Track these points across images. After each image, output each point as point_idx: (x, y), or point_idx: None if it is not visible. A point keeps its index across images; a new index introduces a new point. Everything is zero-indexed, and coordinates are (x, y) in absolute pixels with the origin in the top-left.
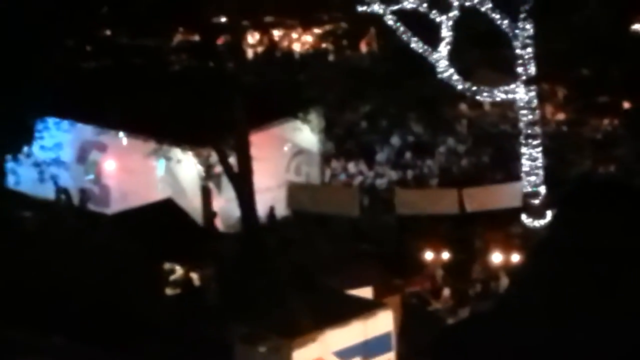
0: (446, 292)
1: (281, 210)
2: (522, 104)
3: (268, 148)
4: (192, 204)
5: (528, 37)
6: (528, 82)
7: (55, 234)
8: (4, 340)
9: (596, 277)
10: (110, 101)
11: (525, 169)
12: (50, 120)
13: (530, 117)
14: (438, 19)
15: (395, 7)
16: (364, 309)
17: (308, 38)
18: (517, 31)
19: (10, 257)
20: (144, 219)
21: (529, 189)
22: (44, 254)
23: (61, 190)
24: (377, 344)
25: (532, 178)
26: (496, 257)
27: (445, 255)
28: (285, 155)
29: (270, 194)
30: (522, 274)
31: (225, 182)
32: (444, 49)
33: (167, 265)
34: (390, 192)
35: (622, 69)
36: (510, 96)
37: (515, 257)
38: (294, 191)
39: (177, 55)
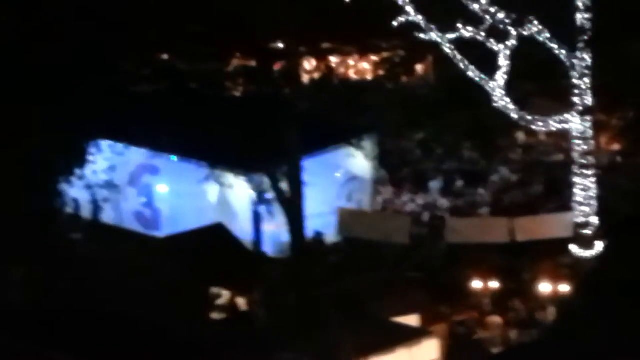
0: (493, 321)
1: (332, 237)
2: (576, 134)
3: (320, 174)
4: (243, 228)
5: (585, 67)
6: (584, 113)
7: (106, 256)
8: None
9: None
10: (164, 125)
11: (577, 199)
12: (104, 143)
13: (584, 147)
14: (495, 48)
15: (453, 36)
16: (409, 336)
17: (365, 65)
18: (574, 61)
19: (63, 279)
20: (194, 243)
21: (581, 219)
22: (94, 276)
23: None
24: None
25: (585, 208)
26: (544, 287)
27: (494, 285)
28: (337, 182)
29: (321, 220)
30: (570, 305)
31: (277, 207)
32: (500, 78)
33: (214, 290)
34: (441, 220)
35: None
36: (564, 126)
37: (564, 288)
38: (345, 218)
39: (233, 80)
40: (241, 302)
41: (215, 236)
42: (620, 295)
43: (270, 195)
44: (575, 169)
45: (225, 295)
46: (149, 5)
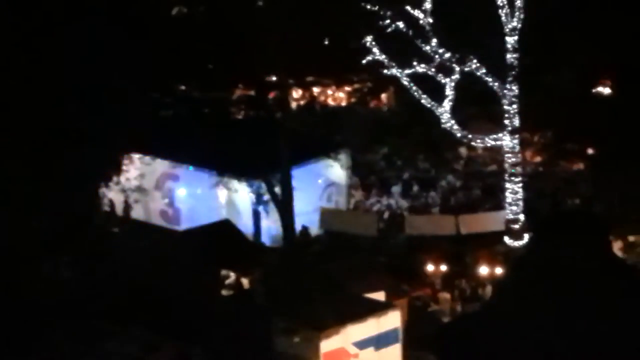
0: (443, 296)
1: (315, 230)
2: (507, 149)
3: (306, 180)
4: (246, 223)
5: (514, 96)
6: (513, 132)
7: (137, 245)
8: (92, 328)
9: (563, 285)
10: (183, 141)
11: (508, 200)
12: (135, 156)
13: (513, 159)
14: (443, 81)
15: (409, 71)
16: (377, 308)
17: (340, 94)
18: (505, 91)
19: (103, 264)
20: (207, 234)
21: (511, 216)
22: (127, 261)
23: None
24: (387, 337)
25: (514, 208)
26: (483, 270)
27: (443, 268)
28: (319, 187)
29: (306, 217)
30: (503, 283)
31: (272, 207)
32: (447, 104)
33: (223, 272)
34: (401, 217)
35: (586, 122)
36: (498, 142)
37: (499, 270)
38: (326, 215)
39: (237, 106)
40: (245, 282)
41: (224, 230)
42: (541, 276)
43: (266, 197)
44: (506, 177)
45: (232, 276)
46: (171, 48)
